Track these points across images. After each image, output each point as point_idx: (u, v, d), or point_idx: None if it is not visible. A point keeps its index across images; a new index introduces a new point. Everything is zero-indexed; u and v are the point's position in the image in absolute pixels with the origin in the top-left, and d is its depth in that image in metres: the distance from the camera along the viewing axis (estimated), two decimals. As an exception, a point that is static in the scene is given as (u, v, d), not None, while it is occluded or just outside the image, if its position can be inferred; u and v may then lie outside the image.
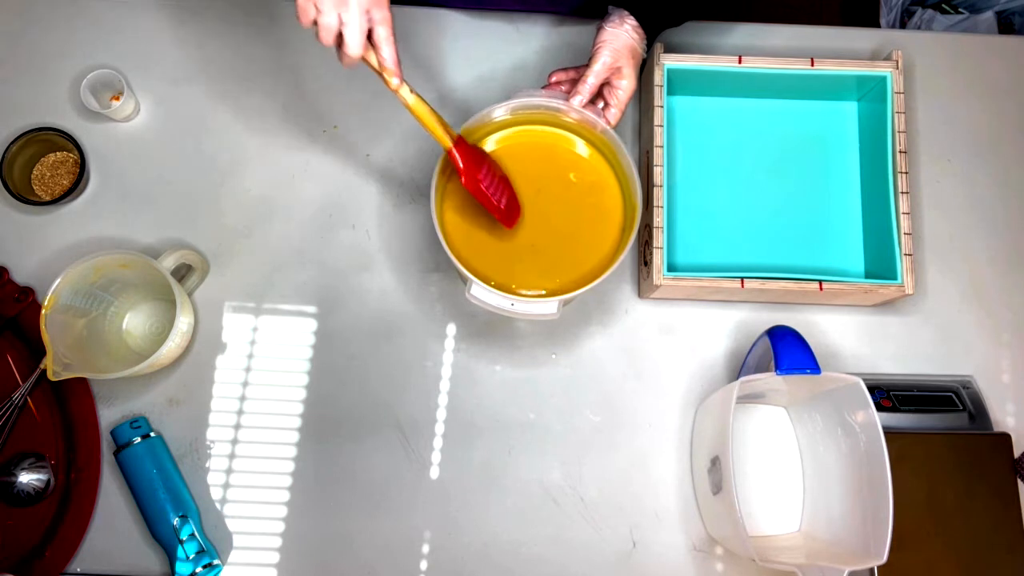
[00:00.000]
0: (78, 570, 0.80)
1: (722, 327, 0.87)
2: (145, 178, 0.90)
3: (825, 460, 0.79)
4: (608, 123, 0.78)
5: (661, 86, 0.85)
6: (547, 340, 0.87)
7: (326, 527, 0.82)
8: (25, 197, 0.86)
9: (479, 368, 0.86)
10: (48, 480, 0.81)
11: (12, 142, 0.86)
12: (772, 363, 0.73)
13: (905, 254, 0.81)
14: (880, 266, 0.84)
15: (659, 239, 0.81)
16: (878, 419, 0.71)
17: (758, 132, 0.91)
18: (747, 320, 0.87)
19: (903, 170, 0.83)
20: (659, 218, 0.81)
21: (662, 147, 0.83)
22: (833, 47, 0.94)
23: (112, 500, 0.81)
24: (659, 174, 0.83)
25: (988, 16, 1.54)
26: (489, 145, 0.81)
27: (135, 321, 0.86)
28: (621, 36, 0.76)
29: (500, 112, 0.79)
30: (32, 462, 0.81)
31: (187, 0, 0.95)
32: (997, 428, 0.84)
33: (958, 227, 0.91)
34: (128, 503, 0.81)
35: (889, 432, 0.71)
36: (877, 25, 1.62)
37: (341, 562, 0.81)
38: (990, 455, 0.81)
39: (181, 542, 0.77)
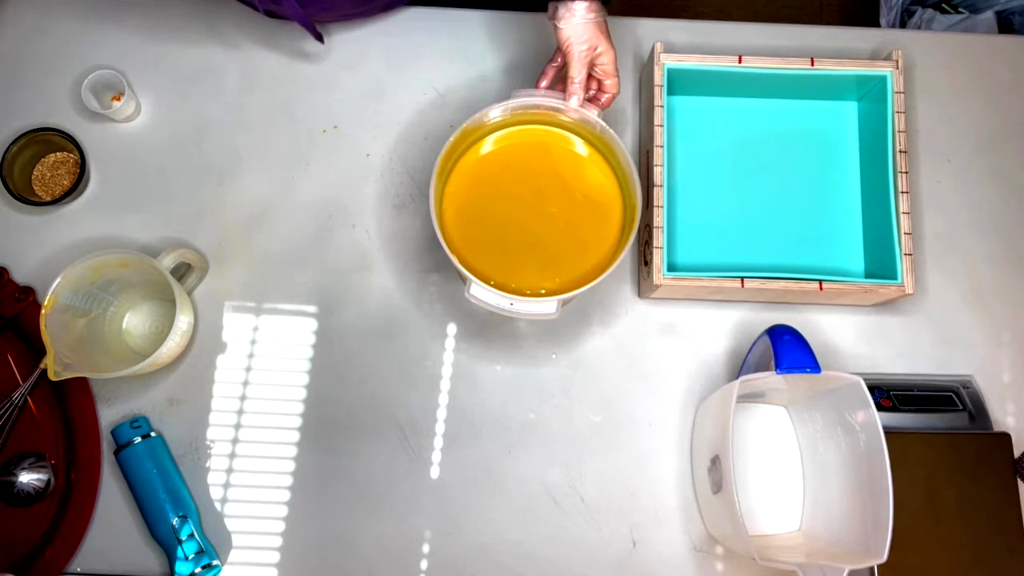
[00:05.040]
0: (78, 570, 0.80)
1: (722, 327, 0.87)
2: (145, 178, 0.90)
3: (825, 459, 0.79)
4: (614, 92, 0.79)
5: (661, 86, 0.85)
6: (547, 340, 0.87)
7: (326, 527, 0.82)
8: (25, 197, 0.86)
9: (479, 368, 0.86)
10: (48, 480, 0.81)
11: (12, 142, 0.86)
12: (772, 362, 0.73)
13: (905, 254, 0.81)
14: (880, 266, 0.84)
15: (659, 239, 0.81)
16: (878, 419, 0.71)
17: (758, 132, 0.91)
18: (747, 320, 0.87)
19: (903, 170, 0.83)
20: (659, 218, 0.81)
21: (662, 147, 0.83)
22: (833, 47, 0.94)
23: (112, 500, 0.81)
24: (659, 174, 0.83)
25: (988, 16, 1.54)
26: (487, 145, 0.81)
27: (135, 321, 0.86)
28: (578, 25, 0.75)
29: (498, 112, 0.79)
30: (32, 462, 0.81)
31: (187, 1, 0.95)
32: (997, 428, 0.84)
33: (958, 227, 0.91)
34: (128, 503, 0.81)
35: (889, 432, 0.71)
36: (877, 25, 1.62)
37: (341, 562, 0.81)
38: (990, 455, 0.81)
39: (180, 542, 0.77)
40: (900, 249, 0.81)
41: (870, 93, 0.89)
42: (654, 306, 0.88)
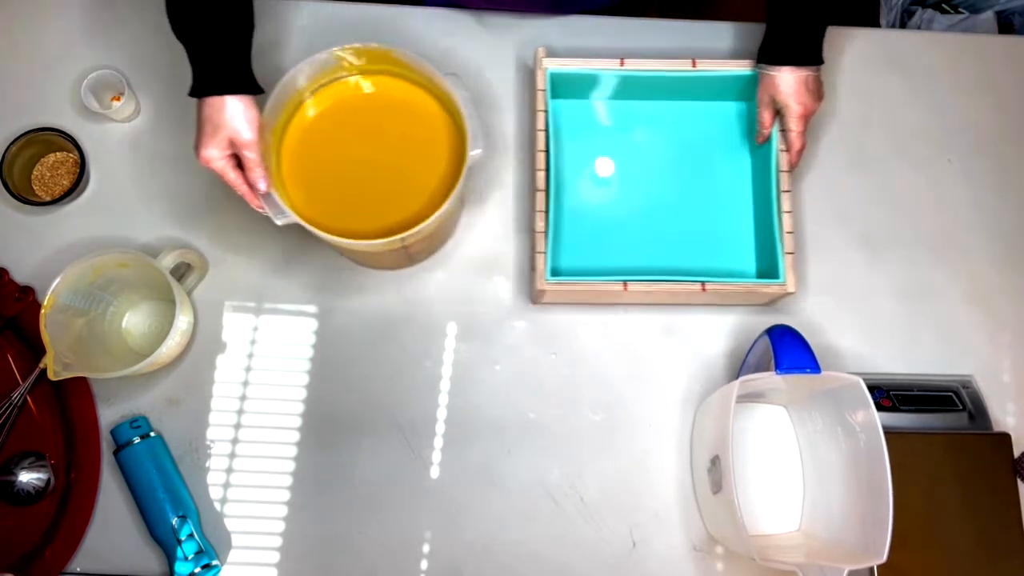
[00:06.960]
0: (78, 570, 0.80)
1: (722, 327, 0.87)
2: (145, 178, 0.90)
3: (825, 459, 0.79)
4: (794, 146, 0.83)
5: (544, 90, 0.83)
6: (547, 340, 0.87)
7: (326, 527, 0.81)
8: (25, 197, 0.86)
9: (479, 368, 0.86)
10: (48, 480, 0.81)
11: (12, 142, 0.86)
12: (772, 363, 0.73)
13: (787, 252, 0.80)
14: (769, 265, 0.83)
15: (541, 244, 0.80)
16: (878, 419, 0.71)
17: (650, 134, 0.90)
18: (747, 320, 0.87)
19: (784, 168, 0.83)
20: (542, 222, 0.80)
21: (544, 151, 0.82)
22: (833, 47, 0.94)
23: (112, 500, 0.81)
24: (541, 178, 0.81)
25: (988, 16, 1.54)
26: (316, 102, 0.79)
27: (135, 320, 0.86)
28: (762, 76, 0.83)
29: (309, 68, 0.77)
30: (32, 461, 0.81)
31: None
32: (997, 428, 0.84)
33: (958, 227, 0.91)
34: (128, 503, 0.81)
35: (889, 432, 0.71)
36: (877, 25, 1.62)
37: (341, 562, 0.81)
38: (990, 455, 0.81)
39: (180, 542, 0.77)
40: (782, 247, 0.80)
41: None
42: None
